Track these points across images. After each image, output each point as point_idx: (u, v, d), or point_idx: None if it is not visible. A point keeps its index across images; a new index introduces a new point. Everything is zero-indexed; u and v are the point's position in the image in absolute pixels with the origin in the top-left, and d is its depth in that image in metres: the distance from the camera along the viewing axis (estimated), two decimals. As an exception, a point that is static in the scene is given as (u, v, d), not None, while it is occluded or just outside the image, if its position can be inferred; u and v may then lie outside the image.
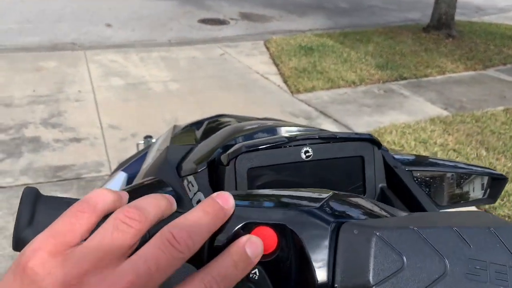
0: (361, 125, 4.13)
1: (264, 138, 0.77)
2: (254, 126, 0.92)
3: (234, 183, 0.74)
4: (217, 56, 5.97)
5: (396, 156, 0.89)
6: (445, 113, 4.43)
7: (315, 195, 0.46)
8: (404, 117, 4.29)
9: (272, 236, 0.42)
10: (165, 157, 0.86)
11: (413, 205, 0.77)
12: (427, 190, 0.92)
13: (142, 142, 1.86)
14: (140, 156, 1.33)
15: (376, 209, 0.47)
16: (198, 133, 1.13)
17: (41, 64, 5.35)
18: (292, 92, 4.83)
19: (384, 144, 3.80)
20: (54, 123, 3.88)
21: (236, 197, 0.44)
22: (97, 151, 3.48)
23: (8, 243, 2.49)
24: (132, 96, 4.53)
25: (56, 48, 6.04)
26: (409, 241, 0.39)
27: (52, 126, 3.83)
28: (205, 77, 5.18)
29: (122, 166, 1.31)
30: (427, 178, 0.92)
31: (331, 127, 4.07)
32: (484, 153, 3.59)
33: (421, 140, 3.74)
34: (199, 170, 0.77)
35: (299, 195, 0.47)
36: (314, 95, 4.79)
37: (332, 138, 0.78)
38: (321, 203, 0.44)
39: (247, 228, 0.42)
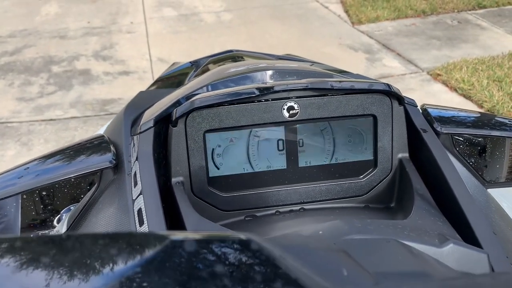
0: (428, 60, 3.73)
1: (227, 89, 0.59)
2: (240, 69, 0.72)
3: (184, 149, 0.57)
4: (275, -17, 5.59)
5: (441, 113, 0.67)
6: (528, 47, 3.88)
7: None
8: (478, 52, 3.81)
9: None
10: (122, 112, 0.71)
11: (439, 183, 0.57)
12: (480, 160, 0.69)
13: None
14: None
15: None
16: (193, 74, 0.96)
17: (97, -6, 5.29)
18: (353, 23, 4.45)
19: (452, 82, 3.45)
20: (105, 55, 3.86)
21: None
22: (144, 85, 3.42)
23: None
24: (183, 28, 4.38)
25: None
26: None
27: (103, 58, 3.81)
28: (260, 6, 4.89)
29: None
30: (481, 145, 0.69)
31: (393, 62, 3.72)
32: None
33: (496, 78, 3.31)
34: (142, 130, 0.61)
35: None
36: (378, 26, 4.38)
37: (329, 90, 0.56)
38: None
39: None
